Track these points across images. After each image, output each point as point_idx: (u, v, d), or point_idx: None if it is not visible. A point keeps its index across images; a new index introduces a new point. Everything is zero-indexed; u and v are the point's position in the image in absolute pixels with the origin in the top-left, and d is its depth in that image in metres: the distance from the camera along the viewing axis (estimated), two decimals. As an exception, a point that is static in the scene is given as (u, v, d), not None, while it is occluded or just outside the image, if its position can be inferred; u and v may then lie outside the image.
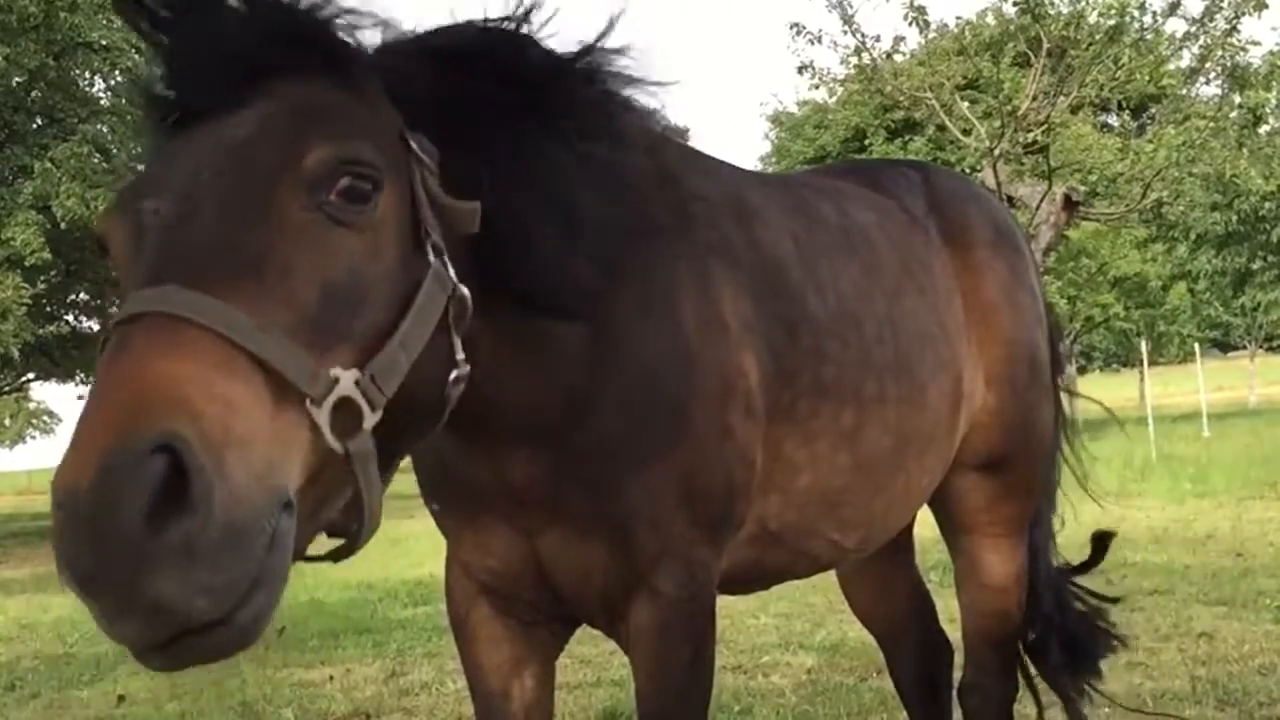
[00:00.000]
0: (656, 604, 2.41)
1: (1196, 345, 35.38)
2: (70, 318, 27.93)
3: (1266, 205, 36.08)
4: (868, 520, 3.06)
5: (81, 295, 27.13)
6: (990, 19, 32.17)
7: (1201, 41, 20.55)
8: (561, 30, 2.23)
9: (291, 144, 1.72)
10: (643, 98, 2.38)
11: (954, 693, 3.84)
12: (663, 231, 2.46)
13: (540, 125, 2.13)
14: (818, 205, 3.08)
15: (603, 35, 2.25)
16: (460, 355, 1.88)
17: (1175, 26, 20.86)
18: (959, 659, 3.84)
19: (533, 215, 2.08)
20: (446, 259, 1.87)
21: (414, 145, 1.90)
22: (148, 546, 1.36)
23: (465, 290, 1.87)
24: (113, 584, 1.37)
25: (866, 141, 35.49)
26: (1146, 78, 21.35)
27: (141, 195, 1.72)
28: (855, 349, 2.84)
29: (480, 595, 2.61)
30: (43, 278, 23.82)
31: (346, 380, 1.61)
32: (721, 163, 2.95)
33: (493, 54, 2.11)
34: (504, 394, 2.22)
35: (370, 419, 1.64)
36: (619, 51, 2.27)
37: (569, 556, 2.42)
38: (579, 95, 2.26)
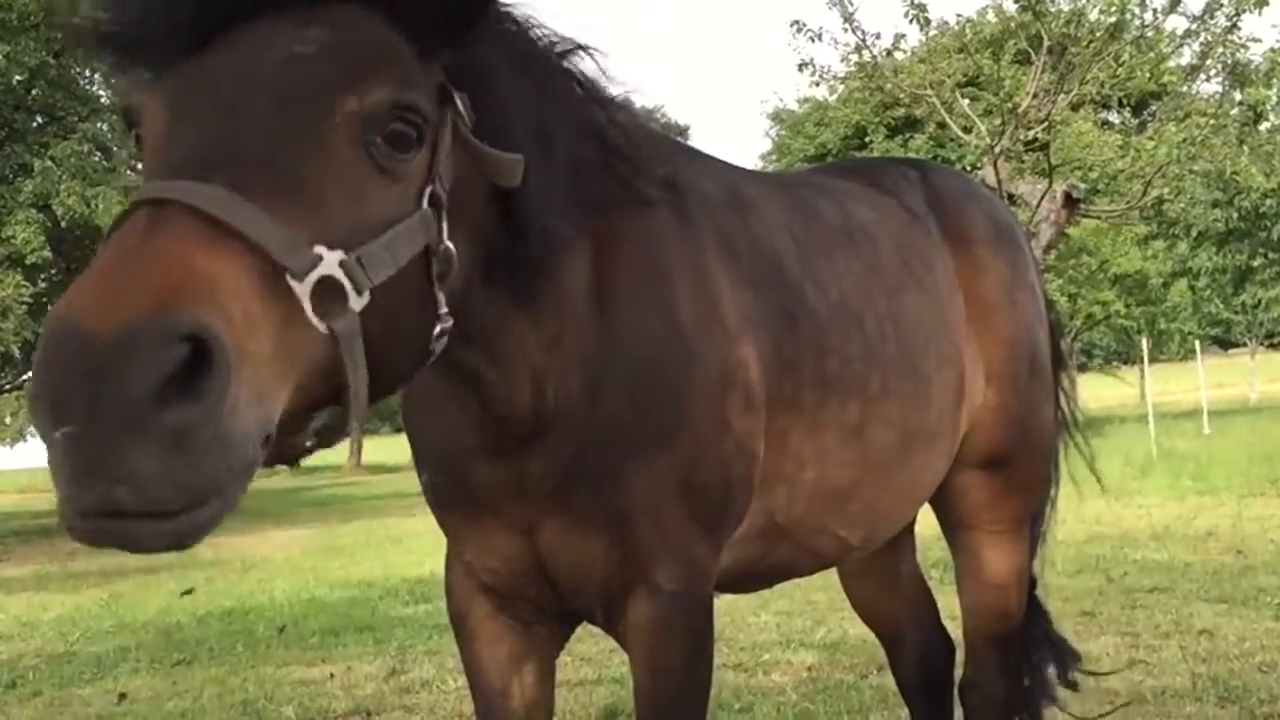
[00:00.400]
0: (655, 600, 2.41)
1: (1197, 342, 35.34)
2: (71, 316, 27.93)
3: (1267, 202, 36.07)
4: (873, 516, 3.06)
5: (82, 293, 27.11)
6: (991, 16, 32.15)
7: (1202, 39, 20.57)
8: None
9: (355, 76, 1.73)
10: (640, 99, 2.41)
11: (955, 691, 3.85)
12: (658, 215, 2.47)
13: (546, 99, 2.16)
14: (816, 203, 3.09)
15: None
16: (444, 309, 1.89)
17: (1176, 24, 20.91)
18: (961, 656, 3.84)
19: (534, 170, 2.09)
20: (444, 213, 1.87)
21: (456, 99, 1.91)
22: (147, 419, 1.36)
23: (451, 246, 1.87)
24: (97, 442, 1.35)
25: (867, 139, 35.51)
26: (1147, 75, 21.33)
27: (192, 83, 1.70)
28: (858, 343, 2.85)
29: (480, 593, 2.62)
30: (43, 276, 23.86)
31: (331, 259, 1.61)
32: (719, 160, 2.96)
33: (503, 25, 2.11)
34: (518, 367, 2.25)
35: (356, 301, 1.63)
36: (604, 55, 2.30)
37: (569, 550, 2.42)
38: (583, 84, 2.30)
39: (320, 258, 1.59)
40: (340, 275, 1.61)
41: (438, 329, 1.89)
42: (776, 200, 2.93)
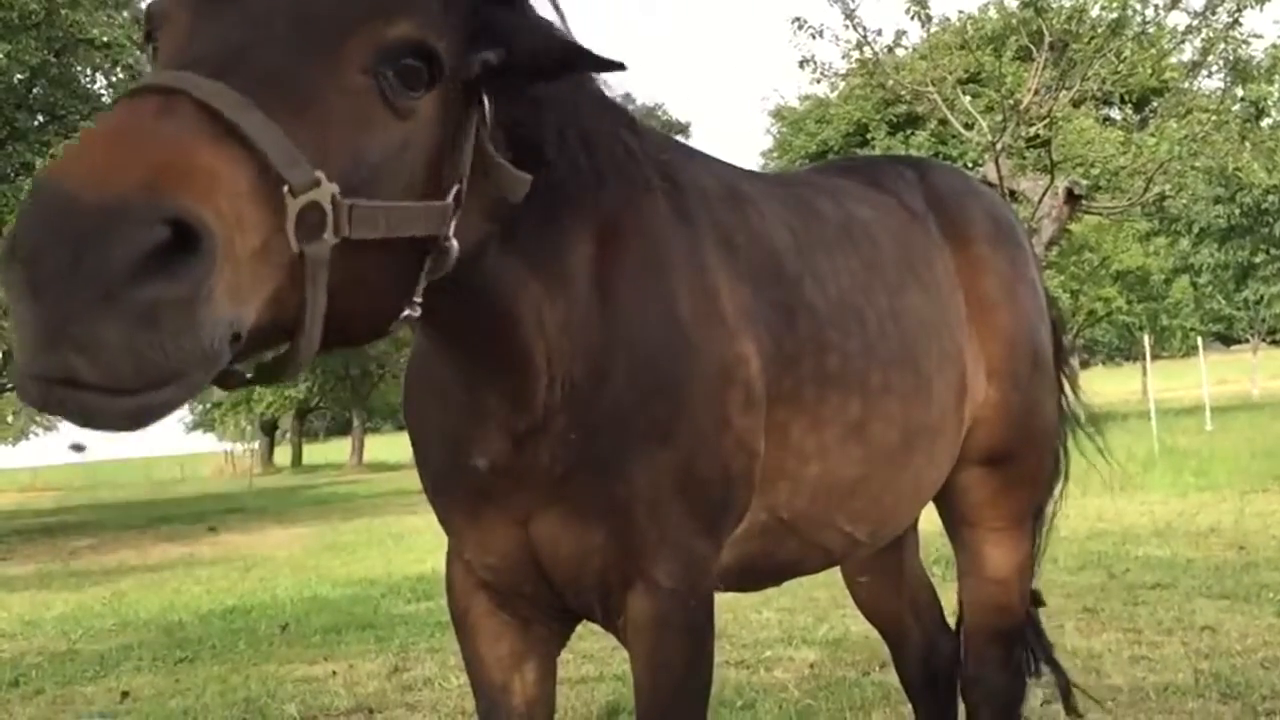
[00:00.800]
0: (653, 596, 2.41)
1: (1199, 339, 35.30)
2: (72, 314, 27.96)
3: (1269, 199, 36.07)
4: (878, 512, 3.06)
5: (84, 292, 27.13)
6: (992, 12, 32.10)
7: (1203, 35, 20.54)
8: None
9: (380, 8, 1.74)
10: (640, 97, 2.42)
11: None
12: (657, 209, 2.49)
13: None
14: (815, 201, 3.09)
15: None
16: (418, 299, 1.89)
17: (1177, 20, 20.87)
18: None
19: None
20: (458, 211, 1.88)
21: (485, 101, 1.94)
22: (120, 290, 1.34)
23: (454, 243, 1.88)
24: (66, 307, 1.33)
25: (868, 136, 35.51)
26: (1148, 71, 21.33)
27: None
28: (858, 339, 2.84)
29: (480, 590, 2.62)
30: (45, 274, 23.84)
31: (326, 189, 1.60)
32: (717, 160, 2.96)
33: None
34: (534, 339, 2.26)
35: (330, 236, 1.62)
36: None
37: (567, 543, 2.41)
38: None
39: (319, 181, 1.59)
40: (328, 207, 1.60)
41: (405, 312, 1.89)
42: (775, 197, 2.94)
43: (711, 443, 2.43)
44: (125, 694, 6.91)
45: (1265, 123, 23.55)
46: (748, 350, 2.52)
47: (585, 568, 2.43)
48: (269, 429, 57.89)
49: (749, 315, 2.56)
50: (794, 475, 2.72)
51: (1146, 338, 30.74)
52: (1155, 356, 35.98)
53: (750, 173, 3.16)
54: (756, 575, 3.00)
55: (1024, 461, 3.50)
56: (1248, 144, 21.30)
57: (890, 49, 21.33)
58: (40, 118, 24.58)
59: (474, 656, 2.67)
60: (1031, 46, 20.52)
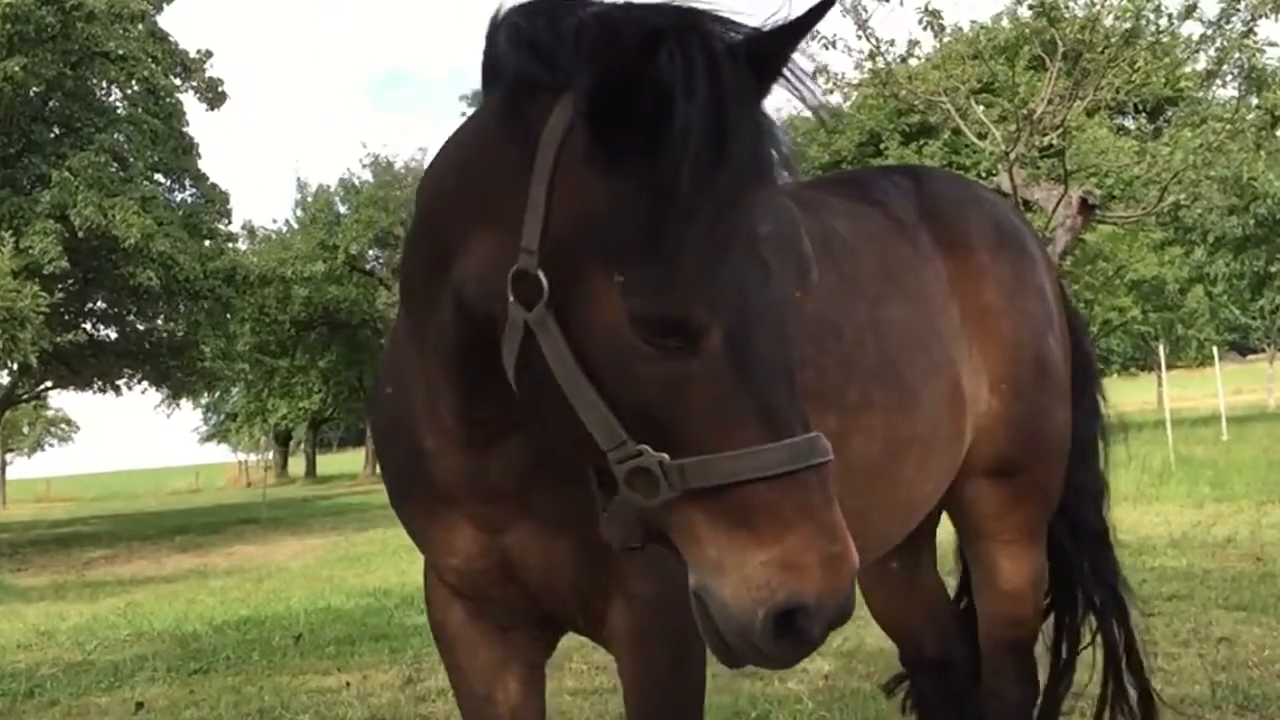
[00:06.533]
0: (632, 607, 2.39)
1: (1215, 348, 35.14)
2: (88, 326, 28.13)
3: (1285, 207, 35.83)
4: (862, 528, 3.02)
5: (99, 303, 27.31)
6: (1005, 22, 32.04)
7: (1218, 44, 20.46)
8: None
9: (805, 247, 1.91)
10: None
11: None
12: None
13: None
14: None
15: None
16: None
17: (1191, 29, 20.80)
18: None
19: None
20: None
21: None
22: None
23: None
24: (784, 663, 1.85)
25: (882, 146, 35.42)
26: (1163, 80, 21.26)
27: (747, 300, 1.77)
28: (834, 354, 2.81)
29: (456, 600, 2.60)
30: (60, 286, 24.00)
31: None
32: None
33: None
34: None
35: None
36: None
37: (537, 552, 2.38)
38: None
39: None
40: None
41: None
42: None
43: None
44: (139, 705, 6.93)
45: (1280, 131, 23.44)
46: None
47: (557, 577, 2.40)
48: (283, 439, 58.03)
49: None
50: None
51: (1162, 347, 30.65)
52: (1170, 366, 35.86)
53: None
54: None
55: (1032, 472, 3.46)
56: (1263, 153, 21.18)
57: (903, 59, 21.27)
58: (56, 130, 24.76)
59: (455, 668, 2.66)
60: (1045, 56, 20.46)
